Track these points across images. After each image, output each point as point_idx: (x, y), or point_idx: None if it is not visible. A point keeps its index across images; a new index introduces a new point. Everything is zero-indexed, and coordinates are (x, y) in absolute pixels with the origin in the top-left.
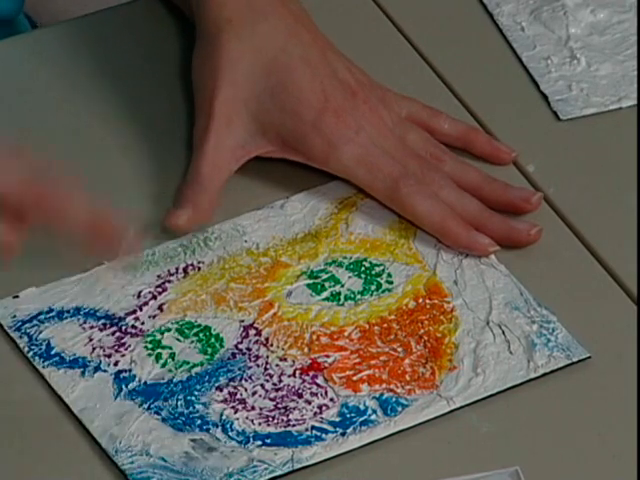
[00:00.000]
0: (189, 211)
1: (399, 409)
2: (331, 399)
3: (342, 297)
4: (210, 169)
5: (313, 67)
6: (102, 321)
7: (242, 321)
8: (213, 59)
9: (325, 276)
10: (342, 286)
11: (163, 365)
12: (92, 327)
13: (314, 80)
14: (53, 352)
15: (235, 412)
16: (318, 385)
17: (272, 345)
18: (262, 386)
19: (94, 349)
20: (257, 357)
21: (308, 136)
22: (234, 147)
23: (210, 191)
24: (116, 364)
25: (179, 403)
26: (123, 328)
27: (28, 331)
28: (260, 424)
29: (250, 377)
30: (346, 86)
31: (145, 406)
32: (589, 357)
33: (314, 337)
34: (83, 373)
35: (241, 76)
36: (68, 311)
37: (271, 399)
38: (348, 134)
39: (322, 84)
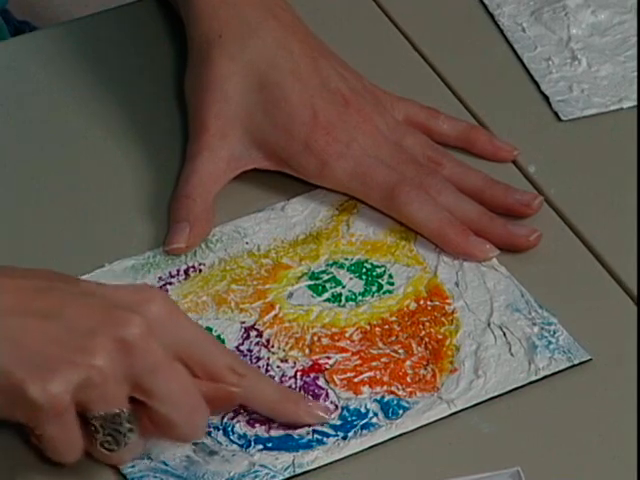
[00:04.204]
0: (186, 231)
1: (400, 412)
2: (332, 402)
3: (343, 298)
4: (204, 180)
5: (303, 81)
6: None
7: (243, 322)
8: (204, 76)
9: (326, 277)
10: (343, 287)
11: None
12: None
13: (304, 95)
14: None
15: (236, 415)
16: (319, 387)
17: (273, 346)
18: None
19: None
20: (258, 358)
21: (300, 155)
22: (228, 158)
23: (204, 203)
24: None
25: None
26: None
27: None
28: (261, 427)
29: None
30: (338, 96)
31: None
32: (590, 359)
33: (315, 338)
34: None
35: (233, 93)
36: None
37: None
38: (339, 149)
39: (312, 98)
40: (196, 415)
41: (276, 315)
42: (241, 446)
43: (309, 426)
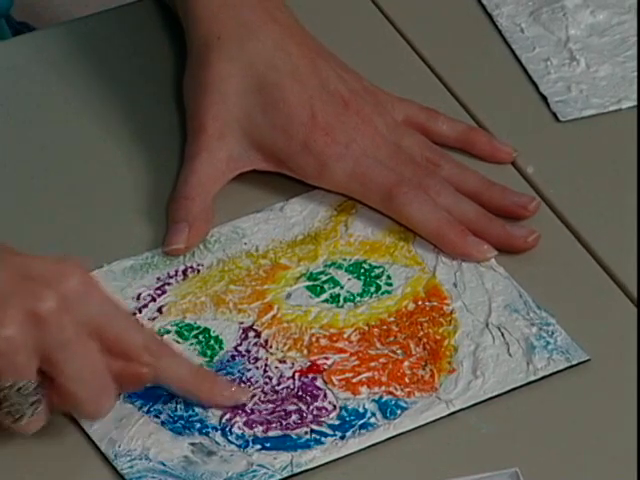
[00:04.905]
0: (185, 232)
1: (398, 412)
2: (330, 402)
3: (341, 299)
4: (203, 180)
5: (302, 83)
6: None
7: (241, 323)
8: (203, 78)
9: (324, 278)
10: (341, 288)
11: None
12: None
13: (303, 96)
14: None
15: (234, 415)
16: (317, 387)
17: (271, 347)
18: (261, 389)
19: None
20: (256, 359)
21: (299, 156)
22: (227, 159)
23: (203, 203)
24: None
25: (178, 406)
26: None
27: None
28: (259, 428)
29: (249, 379)
30: (337, 97)
31: (144, 409)
32: (589, 360)
33: (313, 339)
34: None
35: (232, 94)
36: None
37: (270, 402)
38: (338, 150)
39: (311, 99)
40: (103, 395)
41: (274, 316)
42: (239, 446)
43: (303, 424)
